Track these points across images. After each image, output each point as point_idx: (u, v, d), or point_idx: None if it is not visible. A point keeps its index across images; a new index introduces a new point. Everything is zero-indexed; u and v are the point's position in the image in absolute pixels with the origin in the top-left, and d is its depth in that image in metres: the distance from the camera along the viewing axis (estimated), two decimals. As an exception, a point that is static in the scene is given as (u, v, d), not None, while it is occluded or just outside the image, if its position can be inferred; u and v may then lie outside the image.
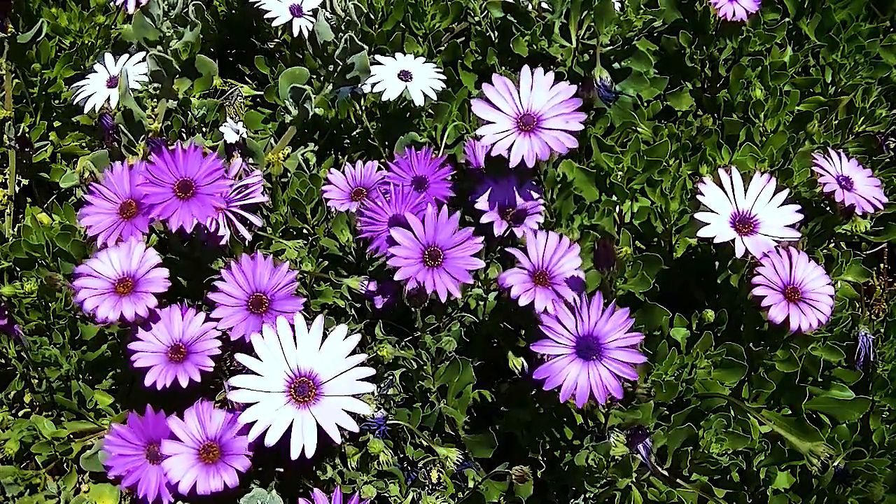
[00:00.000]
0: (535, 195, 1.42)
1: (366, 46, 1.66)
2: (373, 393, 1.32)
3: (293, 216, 1.60)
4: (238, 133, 1.62)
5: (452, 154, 1.72)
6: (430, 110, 1.79)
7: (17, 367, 1.48)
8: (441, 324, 1.38)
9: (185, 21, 1.70)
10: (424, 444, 1.34)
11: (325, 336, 1.18)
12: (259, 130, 1.87)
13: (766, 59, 1.85)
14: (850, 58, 1.85)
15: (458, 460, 1.28)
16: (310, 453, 1.12)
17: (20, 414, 1.55)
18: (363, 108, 1.77)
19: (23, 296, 1.48)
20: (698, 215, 1.33)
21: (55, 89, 1.84)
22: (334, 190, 1.55)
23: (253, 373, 1.17)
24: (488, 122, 1.31)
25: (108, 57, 1.71)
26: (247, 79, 2.09)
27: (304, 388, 1.16)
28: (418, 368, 1.34)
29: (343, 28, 1.64)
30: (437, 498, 1.29)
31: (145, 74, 1.68)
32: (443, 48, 1.95)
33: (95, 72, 1.71)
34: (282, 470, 1.34)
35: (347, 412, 1.14)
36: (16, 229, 1.72)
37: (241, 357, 1.17)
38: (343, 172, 1.56)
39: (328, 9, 1.64)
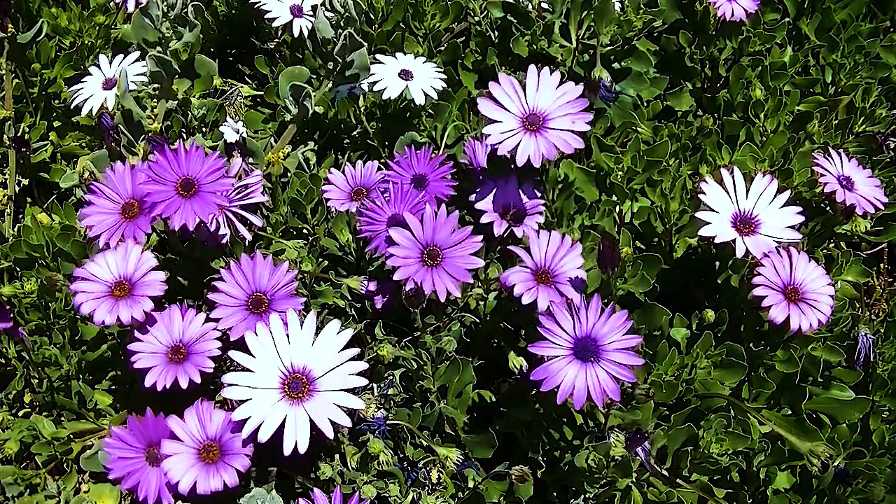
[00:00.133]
0: (536, 195, 1.42)
1: (365, 43, 1.66)
2: (373, 393, 1.33)
3: (293, 216, 1.60)
4: (238, 133, 1.62)
5: (452, 154, 1.72)
6: (430, 110, 1.78)
7: (18, 367, 1.48)
8: (441, 324, 1.38)
9: (185, 21, 1.70)
10: (424, 444, 1.34)
11: (318, 331, 1.19)
12: (259, 130, 1.87)
13: (766, 59, 1.85)
14: (850, 58, 1.85)
15: (458, 460, 1.28)
16: (302, 449, 1.12)
17: (20, 414, 1.55)
18: (363, 107, 1.77)
19: (23, 296, 1.48)
20: (699, 214, 1.33)
21: (55, 89, 1.84)
22: (334, 190, 1.55)
23: (247, 369, 1.17)
24: (494, 121, 1.31)
25: (103, 59, 1.71)
26: (247, 79, 2.09)
27: (297, 384, 1.16)
28: (418, 368, 1.34)
29: (343, 25, 1.64)
30: (437, 498, 1.29)
31: (143, 74, 1.68)
32: (443, 48, 1.95)
33: (91, 74, 1.71)
34: (281, 470, 1.34)
35: (341, 407, 1.14)
36: (16, 229, 1.72)
37: (234, 354, 1.18)
38: (343, 172, 1.56)
39: (328, 6, 1.64)
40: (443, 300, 1.26)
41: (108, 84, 1.69)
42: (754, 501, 1.42)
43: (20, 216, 1.76)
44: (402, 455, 1.35)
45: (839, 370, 1.48)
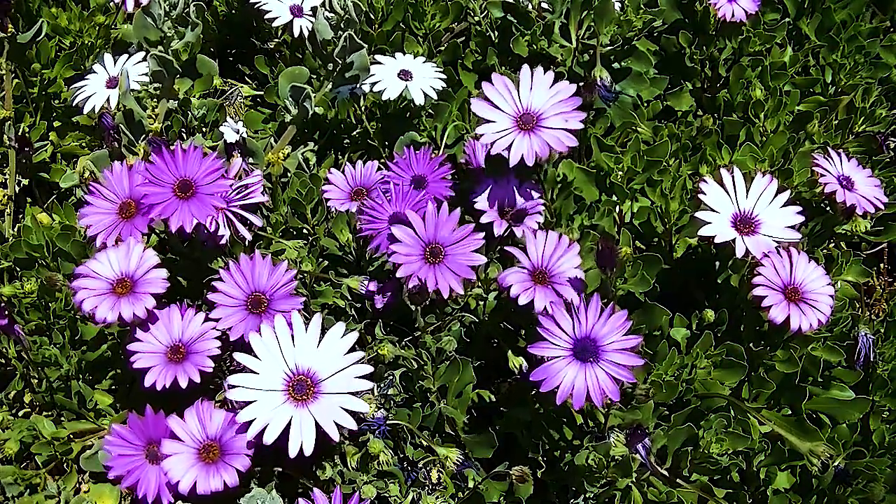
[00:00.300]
0: (535, 195, 1.42)
1: (365, 45, 1.66)
2: (373, 393, 1.33)
3: (293, 216, 1.60)
4: (238, 133, 1.62)
5: (452, 154, 1.72)
6: (430, 110, 1.78)
7: (17, 367, 1.48)
8: (441, 323, 1.38)
9: (186, 21, 1.70)
10: (424, 444, 1.34)
11: (322, 334, 1.19)
12: (259, 130, 1.87)
13: (766, 59, 1.85)
14: (850, 58, 1.85)
15: (458, 460, 1.28)
16: (308, 451, 1.12)
17: (20, 414, 1.55)
18: (363, 107, 1.77)
19: (23, 296, 1.48)
20: (699, 214, 1.33)
21: (55, 89, 1.84)
22: (334, 190, 1.55)
23: (251, 371, 1.17)
24: (488, 121, 1.31)
25: (108, 57, 1.71)
26: (247, 79, 2.09)
27: (302, 387, 1.16)
28: (418, 368, 1.34)
29: (342, 26, 1.64)
30: (437, 498, 1.29)
31: (145, 74, 1.68)
32: (443, 48, 1.95)
33: (95, 72, 1.71)
34: (281, 470, 1.34)
35: (346, 410, 1.15)
36: (16, 229, 1.72)
37: (239, 356, 1.18)
38: (343, 172, 1.56)
39: (328, 7, 1.64)
40: (446, 297, 1.26)
41: (112, 82, 1.69)
42: (754, 501, 1.42)
43: (20, 216, 1.76)
44: (402, 455, 1.35)
45: (839, 370, 1.48)
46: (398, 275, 1.26)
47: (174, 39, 1.71)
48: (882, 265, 1.86)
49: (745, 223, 1.34)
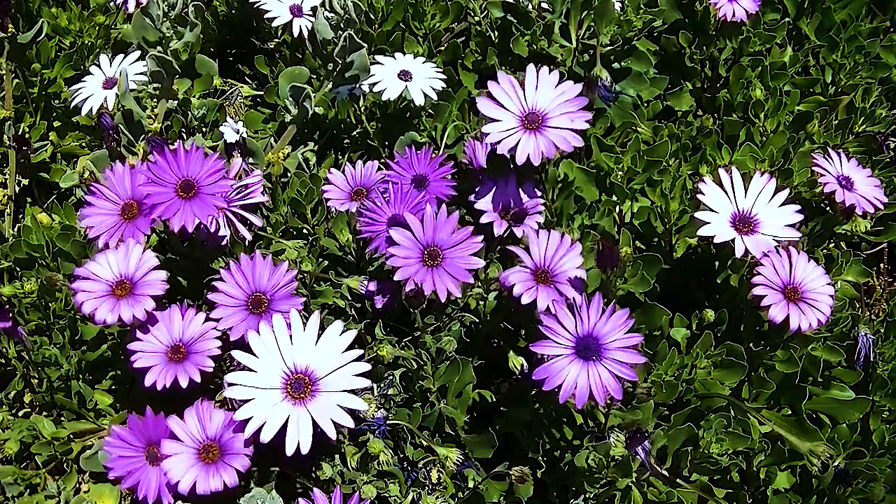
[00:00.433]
0: (536, 195, 1.42)
1: (365, 45, 1.66)
2: (373, 393, 1.33)
3: (293, 216, 1.60)
4: (238, 133, 1.62)
5: (452, 154, 1.72)
6: (430, 110, 1.78)
7: (18, 367, 1.48)
8: (441, 324, 1.38)
9: (185, 21, 1.70)
10: (424, 444, 1.34)
11: (321, 332, 1.19)
12: (259, 130, 1.87)
13: (766, 59, 1.85)
14: (850, 58, 1.85)
15: (458, 460, 1.28)
16: (305, 450, 1.12)
17: (20, 414, 1.55)
18: (363, 107, 1.77)
19: (23, 296, 1.48)
20: (698, 214, 1.33)
21: (55, 89, 1.84)
22: (334, 190, 1.55)
23: (249, 369, 1.17)
24: (493, 120, 1.31)
25: (104, 58, 1.71)
26: (247, 79, 2.09)
27: (300, 385, 1.16)
28: (418, 368, 1.34)
29: (342, 26, 1.64)
30: (437, 498, 1.29)
31: (143, 74, 1.68)
32: (443, 48, 1.95)
33: (91, 74, 1.71)
34: (281, 470, 1.34)
35: (344, 408, 1.15)
36: (16, 229, 1.72)
37: (237, 354, 1.18)
38: (343, 172, 1.56)
39: (327, 7, 1.64)
40: (443, 300, 1.26)
41: (109, 83, 1.69)
42: (754, 501, 1.42)
43: (20, 216, 1.76)
44: (402, 455, 1.35)
45: (839, 370, 1.48)
46: (396, 278, 1.26)
47: (173, 39, 1.71)
48: (882, 265, 1.86)
49: (744, 223, 1.34)
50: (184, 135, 1.80)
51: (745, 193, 1.36)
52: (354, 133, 1.83)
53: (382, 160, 1.64)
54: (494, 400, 1.41)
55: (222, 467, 1.19)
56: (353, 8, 1.62)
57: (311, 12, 1.81)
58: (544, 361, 1.18)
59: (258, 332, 1.19)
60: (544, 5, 1.83)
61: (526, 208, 1.41)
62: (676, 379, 1.39)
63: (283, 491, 1.33)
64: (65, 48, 1.88)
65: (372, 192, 1.52)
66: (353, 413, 1.15)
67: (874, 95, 1.78)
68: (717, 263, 1.51)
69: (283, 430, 1.13)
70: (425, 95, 1.70)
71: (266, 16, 1.81)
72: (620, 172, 1.59)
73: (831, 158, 1.44)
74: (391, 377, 1.35)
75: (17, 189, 1.76)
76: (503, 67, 1.84)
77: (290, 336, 1.19)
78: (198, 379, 1.24)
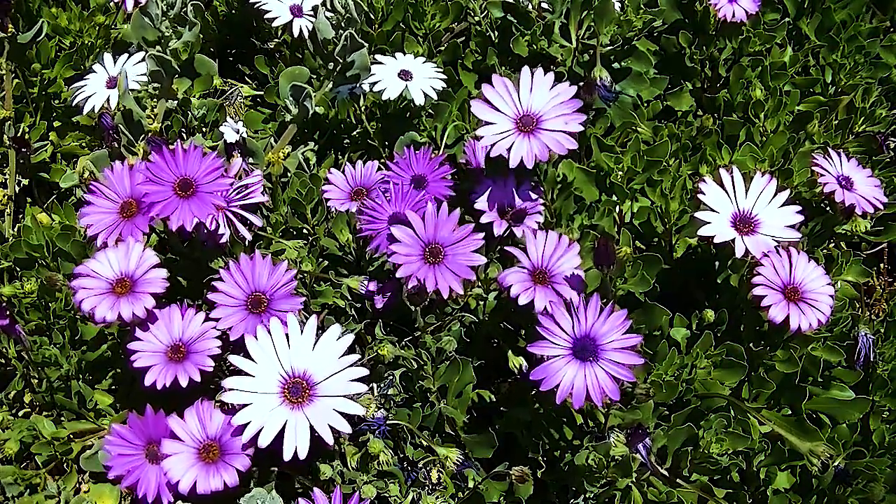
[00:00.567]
0: (535, 195, 1.42)
1: (365, 44, 1.66)
2: (373, 392, 1.33)
3: (293, 216, 1.60)
4: (238, 133, 1.62)
5: (452, 154, 1.72)
6: (430, 110, 1.78)
7: (17, 367, 1.48)
8: (441, 323, 1.38)
9: (185, 21, 1.70)
10: (424, 444, 1.34)
11: (318, 336, 1.18)
12: (259, 130, 1.87)
13: (766, 59, 1.85)
14: (850, 58, 1.85)
15: (458, 460, 1.28)
16: (302, 455, 1.12)
17: (20, 414, 1.55)
18: (363, 107, 1.77)
19: (23, 296, 1.48)
20: (699, 214, 1.33)
21: (55, 89, 1.84)
22: (334, 190, 1.55)
23: (247, 374, 1.17)
24: (488, 123, 1.31)
25: (107, 57, 1.72)
26: (247, 79, 2.09)
27: (297, 389, 1.16)
28: (418, 368, 1.34)
29: (343, 26, 1.64)
30: (437, 498, 1.29)
31: (144, 74, 1.68)
32: (443, 48, 1.95)
33: (94, 72, 1.71)
34: (281, 470, 1.34)
35: (341, 413, 1.14)
36: (16, 229, 1.72)
37: (234, 358, 1.18)
38: (343, 172, 1.56)
39: (328, 6, 1.64)
40: (445, 297, 1.26)
41: (111, 82, 1.69)
42: (754, 501, 1.42)
43: (20, 216, 1.76)
44: (402, 455, 1.35)
45: (839, 370, 1.48)
46: (397, 275, 1.26)
47: (172, 39, 1.71)
48: (882, 265, 1.86)
49: (744, 223, 1.34)
50: (184, 135, 1.80)
51: (746, 193, 1.36)
52: (354, 133, 1.83)
53: (382, 160, 1.64)
54: (494, 400, 1.41)
55: (222, 467, 1.19)
56: (353, 7, 1.62)
57: (311, 12, 1.81)
58: (543, 361, 1.18)
59: (256, 333, 1.19)
60: (544, 5, 1.83)
61: (525, 208, 1.41)
62: (676, 379, 1.39)
63: (284, 491, 1.33)
64: (65, 48, 1.88)
65: (372, 192, 1.52)
66: (350, 418, 1.15)
67: (874, 95, 1.78)
68: (717, 263, 1.51)
69: (280, 435, 1.13)
70: (425, 95, 1.70)
71: (266, 16, 1.81)
72: (620, 172, 1.59)
73: (831, 158, 1.44)
74: (391, 377, 1.35)
75: (17, 189, 1.76)
76: (503, 67, 1.84)
77: (288, 340, 1.19)
78: (198, 379, 1.24)
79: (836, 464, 1.32)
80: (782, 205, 1.36)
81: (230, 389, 1.16)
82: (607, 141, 1.66)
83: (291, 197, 1.59)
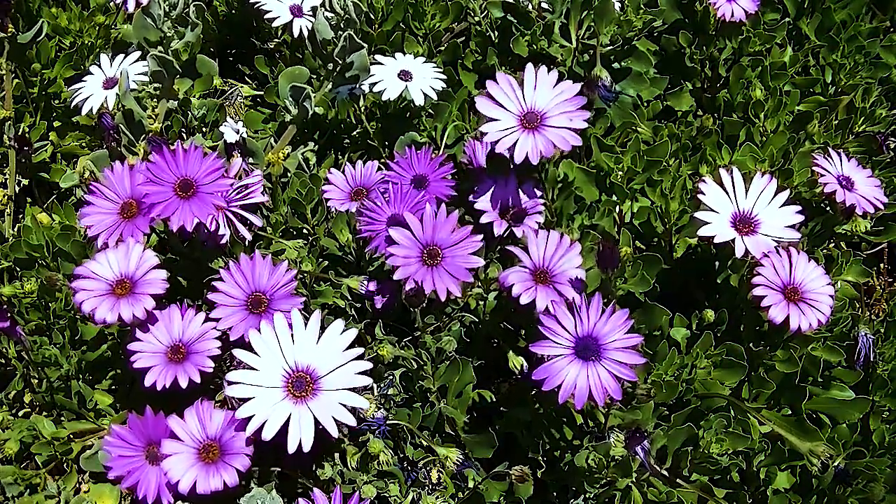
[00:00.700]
0: (536, 195, 1.42)
1: (365, 45, 1.66)
2: (373, 393, 1.33)
3: (293, 216, 1.60)
4: (238, 133, 1.62)
5: (452, 154, 1.72)
6: (430, 110, 1.78)
7: (17, 367, 1.48)
8: (441, 323, 1.38)
9: (186, 21, 1.70)
10: (424, 444, 1.34)
11: (322, 331, 1.19)
12: (259, 130, 1.87)
13: (766, 59, 1.85)
14: (850, 58, 1.85)
15: (458, 460, 1.28)
16: (307, 447, 1.12)
17: (20, 414, 1.55)
18: (363, 107, 1.77)
19: (23, 296, 1.48)
20: (699, 214, 1.33)
21: (55, 89, 1.84)
22: (334, 190, 1.55)
23: (250, 368, 1.17)
24: (492, 119, 1.31)
25: (104, 58, 1.72)
26: (247, 79, 2.09)
27: (301, 383, 1.16)
28: (418, 368, 1.34)
29: (342, 26, 1.64)
30: (437, 498, 1.29)
31: (143, 74, 1.68)
32: (443, 48, 1.95)
33: (92, 73, 1.71)
34: (281, 469, 1.34)
35: (345, 406, 1.15)
36: (16, 229, 1.72)
37: (238, 352, 1.18)
38: (343, 172, 1.56)
39: (327, 7, 1.64)
40: (443, 300, 1.26)
41: (109, 83, 1.69)
42: (754, 501, 1.42)
43: (20, 216, 1.76)
44: (402, 455, 1.35)
45: (839, 370, 1.48)
46: (395, 277, 1.26)
47: (174, 39, 1.71)
48: (882, 265, 1.86)
49: (744, 223, 1.34)
50: (184, 135, 1.80)
51: (746, 194, 1.36)
52: (354, 133, 1.83)
53: (382, 160, 1.64)
54: (494, 400, 1.41)
55: (222, 467, 1.19)
56: (353, 8, 1.62)
57: (311, 12, 1.82)
58: (544, 361, 1.18)
59: (259, 331, 1.19)
60: (544, 5, 1.83)
61: (526, 208, 1.41)
62: (676, 379, 1.39)
63: (284, 491, 1.33)
64: (65, 48, 1.88)
65: (372, 192, 1.52)
66: (354, 411, 1.15)
67: (874, 95, 1.78)
68: (717, 263, 1.51)
69: (284, 429, 1.13)
70: (425, 95, 1.70)
71: (266, 16, 1.81)
72: (620, 172, 1.59)
73: (831, 158, 1.44)
74: (391, 377, 1.35)
75: (17, 189, 1.76)
76: (503, 67, 1.84)
77: (292, 335, 1.19)
78: (198, 379, 1.24)
79: (836, 464, 1.32)
80: (782, 205, 1.36)
81: (234, 383, 1.16)
82: (607, 141, 1.66)
83: (291, 197, 1.59)
